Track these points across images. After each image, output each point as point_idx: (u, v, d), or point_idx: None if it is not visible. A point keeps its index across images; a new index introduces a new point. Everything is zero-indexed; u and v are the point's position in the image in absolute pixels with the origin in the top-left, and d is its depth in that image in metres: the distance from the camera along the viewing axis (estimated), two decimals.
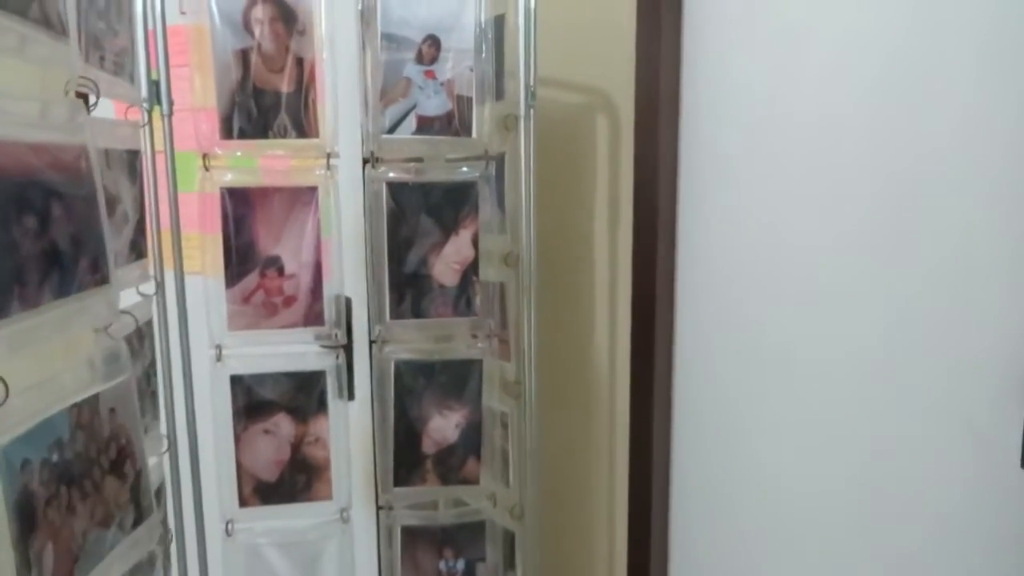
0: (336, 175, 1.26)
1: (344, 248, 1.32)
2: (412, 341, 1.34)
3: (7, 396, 0.61)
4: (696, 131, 1.62)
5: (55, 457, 0.68)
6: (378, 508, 1.36)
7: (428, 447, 1.36)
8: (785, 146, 1.50)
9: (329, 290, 1.31)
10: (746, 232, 1.57)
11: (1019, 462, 1.46)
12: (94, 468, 0.73)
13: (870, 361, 1.48)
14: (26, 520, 0.63)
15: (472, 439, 1.37)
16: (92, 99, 0.91)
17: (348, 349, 1.52)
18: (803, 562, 1.60)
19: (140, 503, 0.82)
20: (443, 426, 1.36)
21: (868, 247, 1.47)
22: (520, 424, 1.38)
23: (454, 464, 1.37)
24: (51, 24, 0.74)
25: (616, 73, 1.60)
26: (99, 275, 0.77)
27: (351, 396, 1.49)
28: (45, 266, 0.68)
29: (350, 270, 1.36)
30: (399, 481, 1.35)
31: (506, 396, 1.39)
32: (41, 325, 0.67)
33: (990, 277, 1.41)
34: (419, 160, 1.32)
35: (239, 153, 1.23)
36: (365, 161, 1.28)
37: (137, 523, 0.82)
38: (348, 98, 1.27)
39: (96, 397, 0.75)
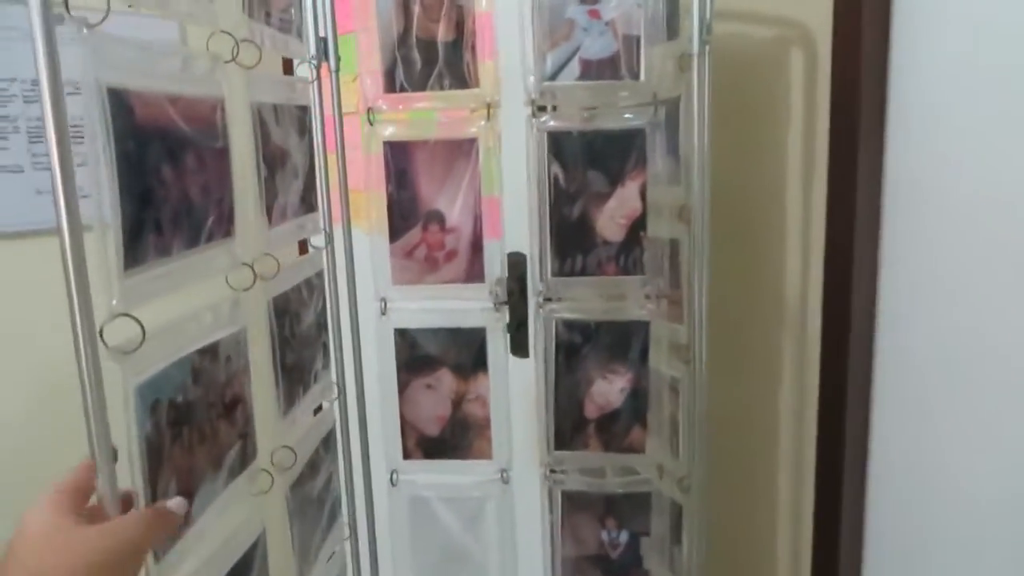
0: (497, 126, 1.22)
1: (510, 202, 1.29)
2: (575, 300, 1.27)
3: (144, 339, 0.63)
4: (910, 66, 1.39)
5: (180, 399, 0.70)
6: (543, 472, 1.33)
7: (591, 411, 1.30)
8: (1010, 104, 1.25)
9: (492, 248, 1.28)
10: (963, 183, 1.33)
11: None
12: (211, 412, 0.75)
13: None
14: (155, 455, 0.65)
15: (638, 406, 1.29)
16: (257, 54, 0.93)
17: (522, 305, 1.50)
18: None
19: (246, 450, 0.84)
20: (607, 390, 1.29)
21: None
22: (690, 391, 1.28)
23: (618, 431, 1.30)
24: None
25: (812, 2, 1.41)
26: (224, 227, 0.78)
27: (525, 354, 1.46)
28: (178, 215, 0.70)
29: (519, 224, 1.33)
30: (560, 445, 1.31)
31: (676, 360, 1.29)
32: (172, 272, 0.69)
33: None
34: (588, 108, 1.24)
35: (400, 107, 1.22)
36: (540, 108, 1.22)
37: (243, 467, 0.84)
38: (509, 44, 1.22)
39: (216, 344, 0.76)
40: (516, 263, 1.43)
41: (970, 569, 1.37)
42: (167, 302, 0.67)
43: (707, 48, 1.17)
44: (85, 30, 0.56)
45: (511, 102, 1.24)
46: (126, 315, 0.60)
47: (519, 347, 1.48)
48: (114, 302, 0.59)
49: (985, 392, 1.32)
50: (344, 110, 1.26)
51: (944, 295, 1.38)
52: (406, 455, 1.33)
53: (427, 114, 1.26)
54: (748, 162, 1.51)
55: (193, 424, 0.72)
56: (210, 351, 0.76)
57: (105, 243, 0.58)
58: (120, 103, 0.61)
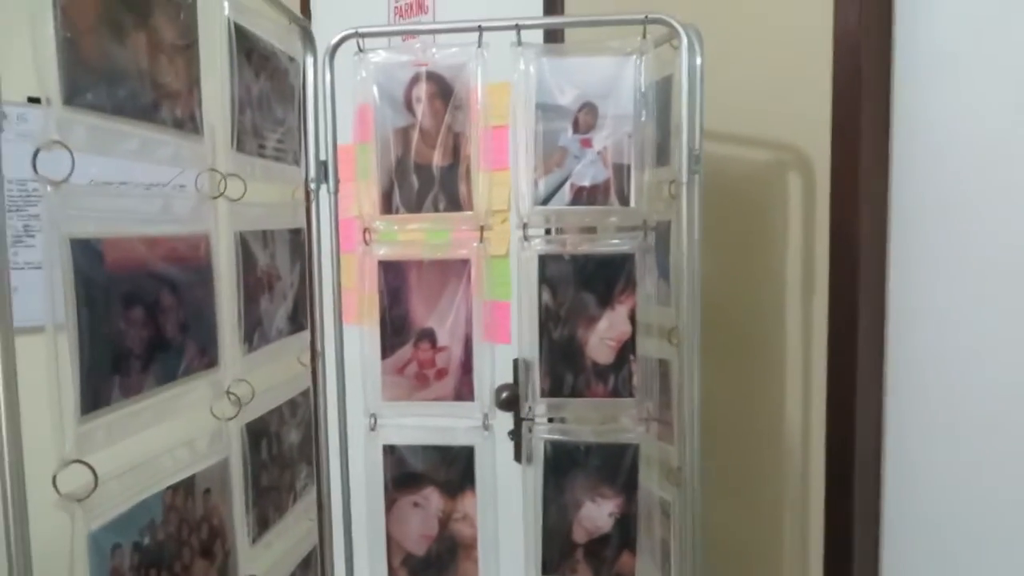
0: (489, 247, 1.24)
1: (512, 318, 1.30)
2: (563, 421, 1.27)
3: (96, 486, 0.64)
4: (912, 187, 1.40)
5: (146, 540, 0.70)
6: None
7: (579, 535, 1.27)
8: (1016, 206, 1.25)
9: (500, 352, 1.28)
10: (970, 306, 1.32)
11: None
12: (184, 549, 0.75)
13: None
14: None
15: (627, 530, 1.26)
16: (242, 186, 0.97)
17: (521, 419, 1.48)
18: None
19: None
20: (595, 514, 1.27)
21: None
22: (682, 514, 1.25)
23: (607, 556, 1.27)
24: (182, 124, 0.79)
25: (812, 128, 1.44)
26: (207, 358, 0.80)
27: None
28: (150, 354, 0.71)
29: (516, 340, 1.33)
30: (548, 569, 1.28)
31: (667, 483, 1.27)
32: (143, 410, 0.70)
33: None
34: (579, 231, 1.27)
35: (396, 227, 1.25)
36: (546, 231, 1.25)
37: None
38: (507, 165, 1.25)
39: (192, 478, 0.77)
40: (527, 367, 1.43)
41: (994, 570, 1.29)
42: (148, 437, 0.68)
43: (696, 177, 1.20)
44: (49, 187, 0.59)
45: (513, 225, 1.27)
46: (79, 461, 0.61)
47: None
48: (67, 448, 0.60)
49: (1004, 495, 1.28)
50: (351, 214, 1.29)
51: (956, 426, 1.36)
52: (392, 575, 1.30)
53: (407, 235, 1.29)
54: (747, 284, 1.52)
55: (162, 566, 0.72)
56: (184, 486, 0.77)
57: (60, 389, 0.60)
58: (87, 252, 0.63)
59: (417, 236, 1.27)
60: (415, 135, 1.24)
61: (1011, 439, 1.28)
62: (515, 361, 1.40)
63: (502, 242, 1.68)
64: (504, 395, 1.66)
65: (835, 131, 1.41)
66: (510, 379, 1.67)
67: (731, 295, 1.52)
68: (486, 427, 1.27)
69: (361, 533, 1.30)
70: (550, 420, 1.28)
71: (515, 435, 1.68)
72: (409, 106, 1.24)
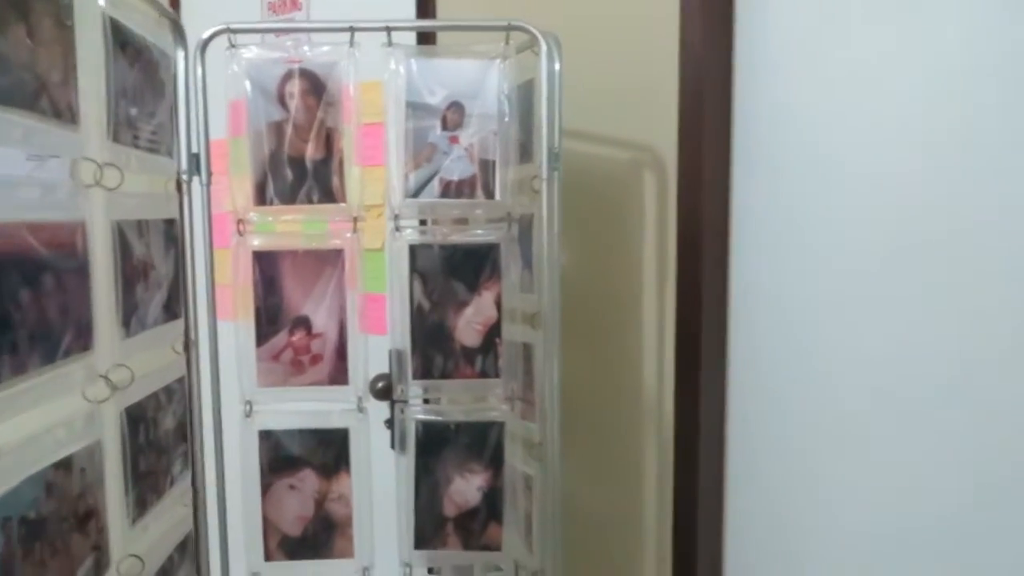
0: (364, 233, 1.30)
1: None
2: (434, 401, 1.34)
3: None
4: (750, 187, 1.57)
5: (32, 514, 0.72)
6: (404, 571, 1.36)
7: (450, 510, 1.35)
8: (846, 202, 1.45)
9: (373, 343, 1.34)
10: (805, 297, 1.50)
11: None
12: (64, 525, 0.77)
13: (944, 411, 1.38)
14: (6, 574, 0.67)
15: (494, 503, 1.36)
16: (119, 175, 0.98)
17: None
18: None
19: (100, 561, 0.86)
20: (465, 489, 1.35)
21: (930, 321, 1.39)
22: (543, 487, 1.35)
23: (476, 528, 1.36)
24: (60, 114, 0.81)
25: (662, 128, 1.58)
26: (83, 341, 0.82)
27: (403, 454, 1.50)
28: (33, 336, 0.74)
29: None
30: (420, 543, 1.35)
31: (530, 458, 1.37)
32: (27, 390, 0.72)
33: None
34: (446, 223, 1.34)
35: (270, 218, 1.29)
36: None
37: None
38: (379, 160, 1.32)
39: (71, 458, 0.79)
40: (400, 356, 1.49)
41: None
42: (30, 417, 0.70)
43: (555, 173, 1.30)
44: None
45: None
46: None
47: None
48: None
49: (839, 457, 1.46)
50: (225, 208, 1.32)
51: (790, 381, 1.54)
52: (268, 556, 1.34)
53: (280, 227, 1.33)
54: (605, 273, 1.65)
55: (45, 539, 0.74)
56: (63, 465, 0.79)
57: None
58: None
59: (291, 227, 1.31)
60: (288, 129, 1.28)
61: (839, 407, 1.48)
62: (390, 352, 1.46)
63: (377, 236, 1.73)
64: (380, 384, 1.71)
65: (682, 132, 1.56)
66: (386, 369, 1.73)
67: (591, 283, 1.64)
68: (360, 410, 1.33)
69: (239, 517, 1.33)
70: (425, 401, 1.36)
71: (391, 424, 1.74)
72: (282, 101, 1.28)
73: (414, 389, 1.34)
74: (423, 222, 1.38)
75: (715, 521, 1.65)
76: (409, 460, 1.34)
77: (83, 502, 0.84)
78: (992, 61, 1.23)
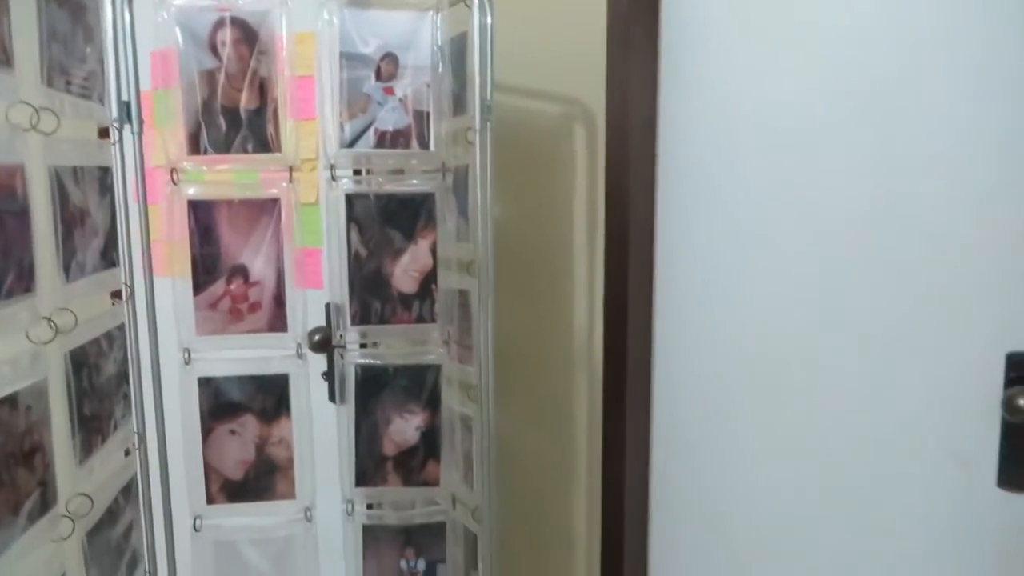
0: (299, 187, 1.32)
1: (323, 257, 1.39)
2: (373, 346, 1.39)
3: None
4: (674, 140, 1.65)
5: None
6: (345, 508, 1.42)
7: (389, 449, 1.41)
8: (766, 155, 1.54)
9: (309, 297, 1.37)
10: (727, 240, 1.59)
11: (995, 481, 1.46)
12: (10, 460, 0.80)
13: (853, 380, 1.50)
14: None
15: (432, 442, 1.42)
16: (55, 121, 0.98)
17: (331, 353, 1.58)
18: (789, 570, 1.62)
19: (46, 496, 0.89)
20: (403, 428, 1.41)
21: (849, 264, 1.51)
22: (480, 427, 1.42)
23: (414, 466, 1.42)
24: None
25: (593, 83, 1.64)
26: (25, 284, 0.84)
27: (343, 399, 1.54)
28: None
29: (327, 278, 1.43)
30: (361, 482, 1.41)
31: (467, 399, 1.43)
32: None
33: (965, 307, 1.43)
34: (382, 173, 1.37)
35: (205, 168, 1.30)
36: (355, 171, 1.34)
37: (44, 513, 0.88)
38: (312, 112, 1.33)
39: (16, 395, 0.81)
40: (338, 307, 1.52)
41: (758, 559, 1.60)
42: None
43: (489, 125, 1.35)
44: None
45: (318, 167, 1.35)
46: None
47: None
48: None
49: (752, 394, 1.57)
50: (155, 163, 1.31)
51: (712, 326, 1.63)
52: (210, 500, 1.37)
53: (230, 175, 1.34)
54: (539, 221, 1.71)
55: None
56: (9, 401, 0.81)
57: None
58: None
59: (226, 177, 1.32)
60: (221, 78, 1.28)
61: (755, 351, 1.58)
62: (327, 305, 1.49)
63: (311, 190, 1.74)
64: (317, 337, 1.74)
65: (609, 87, 1.62)
66: (323, 323, 1.76)
67: (524, 232, 1.70)
68: (300, 356, 1.36)
69: (181, 462, 1.35)
70: (362, 346, 1.40)
71: (328, 375, 1.77)
72: (214, 50, 1.28)
73: (352, 335, 1.38)
74: (357, 172, 1.41)
75: (642, 459, 1.75)
76: (349, 403, 1.38)
77: (29, 439, 0.86)
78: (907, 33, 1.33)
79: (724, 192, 1.57)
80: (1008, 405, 1.40)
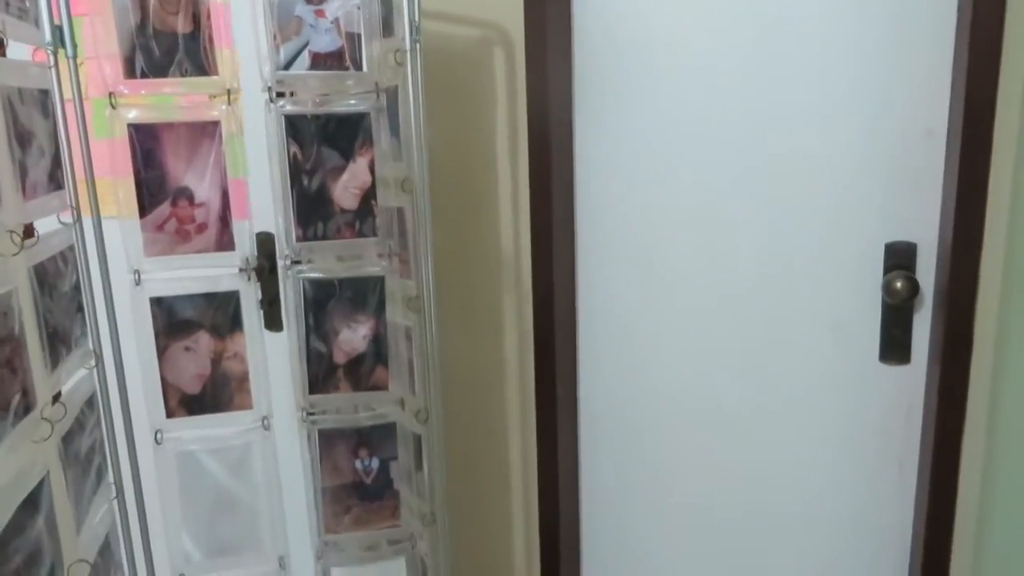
0: (238, 110, 1.37)
1: (258, 183, 1.44)
2: (319, 261, 1.46)
3: None
4: (590, 61, 1.74)
5: None
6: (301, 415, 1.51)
7: (339, 357, 1.50)
8: (674, 77, 1.66)
9: (242, 228, 1.43)
10: (637, 158, 1.72)
11: (878, 356, 1.66)
12: None
13: (749, 273, 1.68)
14: None
15: (379, 349, 1.51)
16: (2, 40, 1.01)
17: (273, 283, 1.64)
18: (695, 459, 1.80)
19: (27, 399, 0.96)
20: (352, 338, 1.50)
21: (747, 175, 1.66)
22: (421, 336, 1.52)
23: (364, 372, 1.52)
24: None
25: (511, 6, 1.71)
26: None
27: (280, 328, 1.61)
28: None
29: (267, 204, 1.48)
30: (314, 389, 1.50)
31: (409, 311, 1.53)
32: None
33: (847, 201, 1.61)
34: (319, 94, 1.43)
35: (143, 91, 1.33)
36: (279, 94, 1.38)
37: (27, 414, 0.96)
38: (245, 37, 1.37)
39: None
40: (265, 242, 1.58)
41: (671, 450, 1.78)
42: None
43: (418, 46, 1.41)
44: None
45: (252, 90, 1.39)
46: None
47: (273, 322, 1.64)
48: None
49: (660, 298, 1.73)
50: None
51: (632, 250, 1.77)
52: (169, 414, 1.44)
53: (168, 99, 1.37)
54: (466, 143, 1.79)
55: None
56: None
57: None
58: None
59: (165, 101, 1.35)
60: (153, 2, 1.30)
61: (664, 257, 1.73)
62: (257, 235, 1.53)
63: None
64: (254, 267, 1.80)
65: (527, 11, 1.70)
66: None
67: (452, 154, 1.78)
68: (247, 272, 1.43)
69: (139, 381, 1.41)
70: (304, 262, 1.47)
71: (263, 303, 1.83)
72: None
73: (298, 252, 1.45)
74: (280, 95, 1.44)
75: (570, 356, 1.89)
76: (300, 316, 1.46)
77: (7, 347, 0.92)
78: None
79: (637, 115, 1.69)
80: (887, 288, 1.59)
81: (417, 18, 1.40)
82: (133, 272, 1.38)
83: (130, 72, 1.31)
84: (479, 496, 1.95)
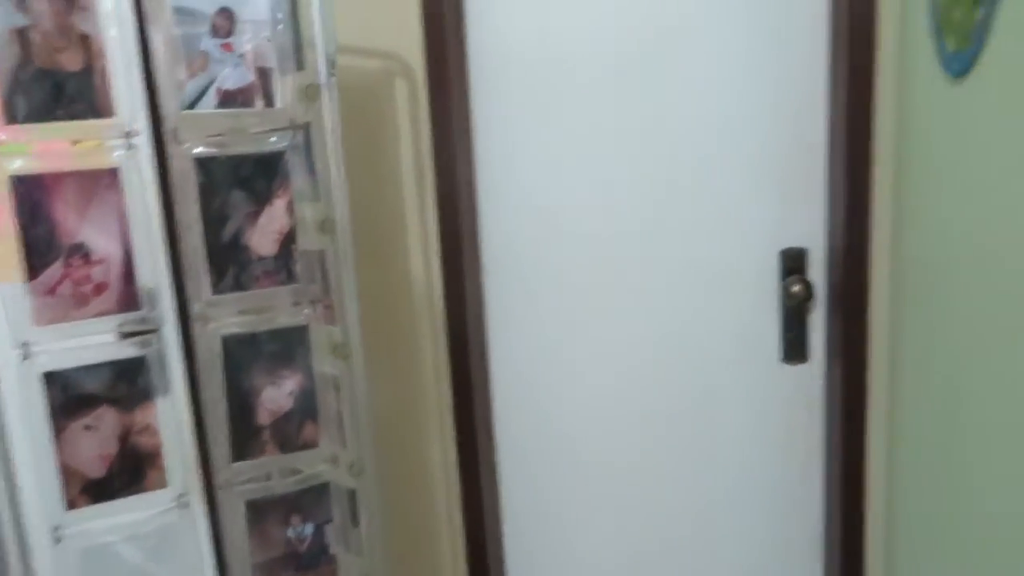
0: (139, 154, 1.23)
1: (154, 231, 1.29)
2: (236, 314, 1.34)
3: None
4: (488, 85, 1.75)
5: None
6: (215, 488, 1.36)
7: (264, 418, 1.37)
8: (571, 95, 1.69)
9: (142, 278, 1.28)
10: (538, 177, 1.73)
11: (779, 357, 1.77)
12: None
13: (655, 282, 1.73)
14: None
15: (307, 404, 1.41)
16: None
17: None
18: (608, 459, 1.83)
19: None
20: (277, 395, 1.38)
21: (647, 187, 1.72)
22: (349, 384, 1.43)
23: (291, 431, 1.40)
24: None
25: (411, 38, 1.67)
26: None
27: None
28: None
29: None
30: (237, 456, 1.36)
31: (335, 359, 1.44)
32: None
33: (743, 210, 1.71)
34: (227, 133, 1.31)
35: (25, 138, 1.16)
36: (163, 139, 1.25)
37: None
38: (144, 74, 1.24)
39: None
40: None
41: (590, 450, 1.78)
42: None
43: (333, 79, 1.34)
44: None
45: (147, 132, 1.26)
46: None
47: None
48: None
49: (572, 316, 1.74)
50: None
51: (539, 269, 1.77)
52: (71, 505, 1.25)
53: (39, 146, 1.21)
54: (374, 179, 1.72)
55: None
56: None
57: None
58: None
59: (54, 147, 1.19)
60: (36, 37, 1.15)
61: (576, 289, 1.75)
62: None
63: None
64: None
65: (427, 43, 1.67)
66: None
67: (361, 187, 1.71)
68: (154, 333, 1.28)
69: (29, 472, 1.22)
70: (218, 318, 1.34)
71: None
72: (20, 4, 1.14)
73: (214, 305, 1.32)
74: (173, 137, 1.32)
75: (483, 385, 1.86)
76: (216, 376, 1.32)
77: None
78: None
79: (536, 132, 1.72)
80: (785, 292, 1.71)
81: (332, 51, 1.33)
82: (20, 346, 1.19)
83: (11, 117, 1.13)
84: (412, 545, 1.86)
